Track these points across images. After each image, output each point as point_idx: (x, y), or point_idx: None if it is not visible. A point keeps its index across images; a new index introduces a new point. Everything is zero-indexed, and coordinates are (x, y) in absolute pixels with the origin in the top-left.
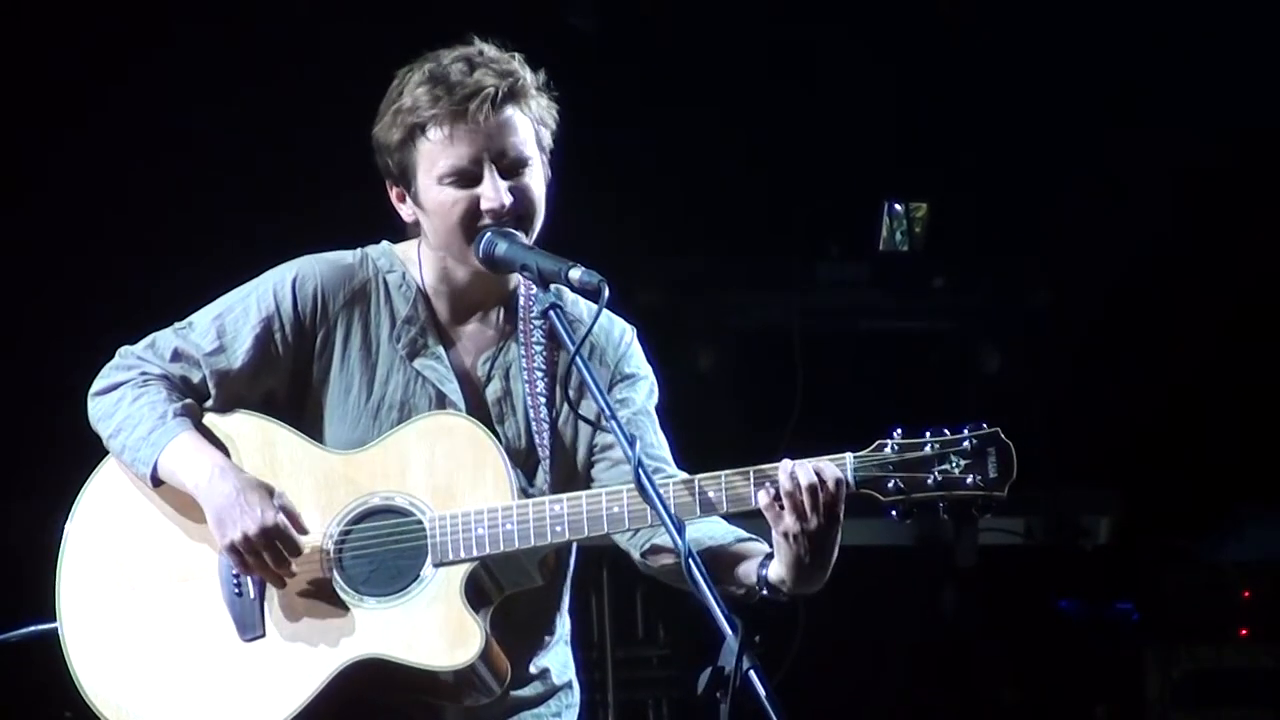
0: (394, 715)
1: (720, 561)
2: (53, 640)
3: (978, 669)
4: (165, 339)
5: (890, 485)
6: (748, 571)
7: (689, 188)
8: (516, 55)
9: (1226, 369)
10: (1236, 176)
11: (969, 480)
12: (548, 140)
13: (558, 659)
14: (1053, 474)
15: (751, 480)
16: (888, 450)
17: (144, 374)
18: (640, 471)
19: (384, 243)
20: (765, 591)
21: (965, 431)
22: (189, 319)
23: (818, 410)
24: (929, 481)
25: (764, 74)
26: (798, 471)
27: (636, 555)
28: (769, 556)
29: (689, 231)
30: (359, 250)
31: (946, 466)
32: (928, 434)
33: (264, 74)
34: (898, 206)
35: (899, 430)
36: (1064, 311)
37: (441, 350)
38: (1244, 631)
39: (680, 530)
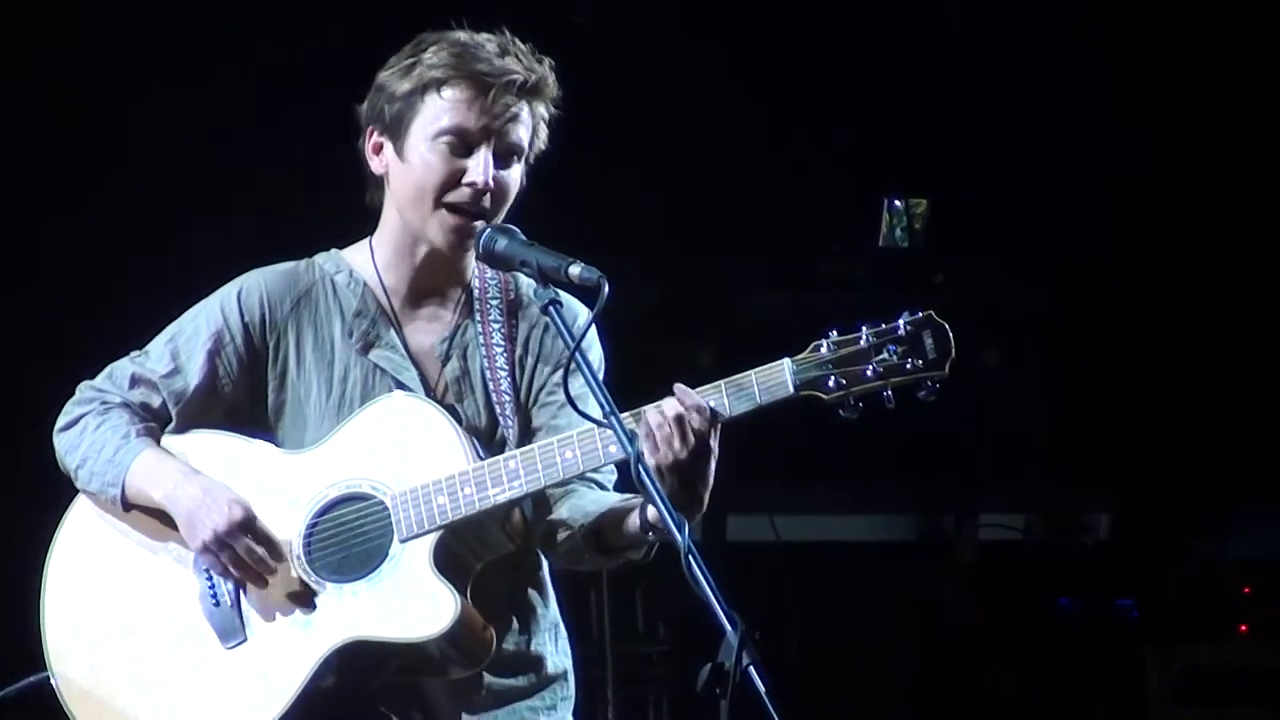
0: (383, 704)
1: (612, 522)
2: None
3: (978, 666)
4: (122, 368)
5: (831, 383)
6: (632, 522)
7: (689, 185)
8: (546, 59)
9: (1227, 365)
10: (1237, 174)
11: (908, 365)
12: (538, 146)
13: (551, 649)
14: (1053, 470)
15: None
16: (824, 350)
17: (104, 403)
18: (640, 468)
19: (332, 250)
20: (650, 535)
21: (899, 320)
22: (145, 348)
23: (818, 406)
24: (868, 373)
25: (765, 71)
26: (665, 404)
27: (543, 547)
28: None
29: (689, 228)
30: (306, 259)
31: (884, 356)
32: (863, 328)
33: (260, 72)
34: (898, 203)
35: (834, 330)
36: (1064, 308)
37: (396, 339)
38: (1244, 628)
39: (680, 527)
